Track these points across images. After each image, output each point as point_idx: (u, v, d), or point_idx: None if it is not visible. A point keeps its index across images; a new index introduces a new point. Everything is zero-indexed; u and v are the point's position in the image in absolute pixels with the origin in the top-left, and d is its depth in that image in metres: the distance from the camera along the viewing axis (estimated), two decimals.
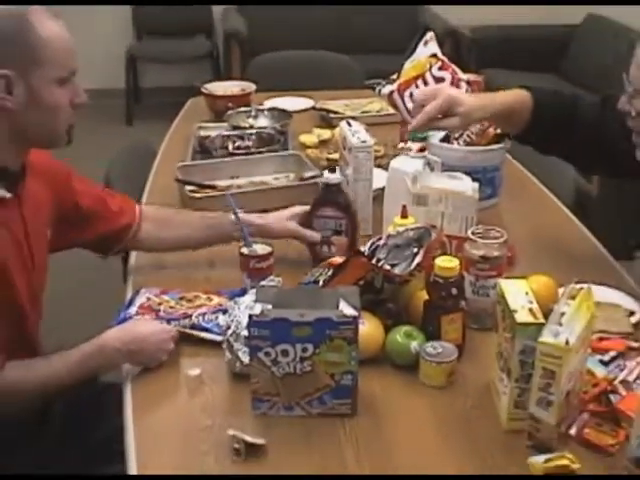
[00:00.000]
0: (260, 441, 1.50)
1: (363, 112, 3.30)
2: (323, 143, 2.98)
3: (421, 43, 2.55)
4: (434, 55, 2.51)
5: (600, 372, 1.71)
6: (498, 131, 2.47)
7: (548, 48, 6.41)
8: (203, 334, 1.81)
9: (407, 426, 1.60)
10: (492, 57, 6.29)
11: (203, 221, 2.16)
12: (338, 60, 4.38)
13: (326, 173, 2.10)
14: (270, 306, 1.56)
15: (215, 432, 1.55)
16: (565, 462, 1.43)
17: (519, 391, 1.53)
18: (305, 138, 3.00)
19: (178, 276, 2.13)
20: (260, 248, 1.99)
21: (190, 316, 1.84)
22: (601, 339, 1.83)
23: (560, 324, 1.44)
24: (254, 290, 1.70)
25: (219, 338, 1.75)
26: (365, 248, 1.76)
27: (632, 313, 1.95)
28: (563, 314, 1.46)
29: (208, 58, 6.59)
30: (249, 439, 1.49)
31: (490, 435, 1.57)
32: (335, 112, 3.24)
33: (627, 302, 1.98)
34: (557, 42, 6.42)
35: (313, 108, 3.39)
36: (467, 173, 2.26)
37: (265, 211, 2.37)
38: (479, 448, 1.53)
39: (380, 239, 1.77)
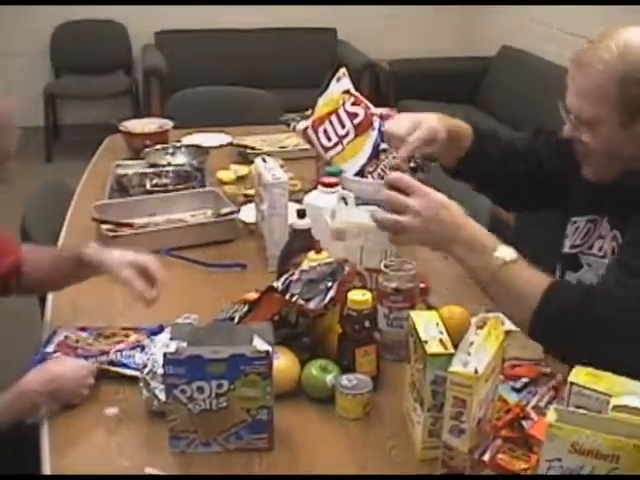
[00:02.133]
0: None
1: (280, 147, 3.34)
2: (240, 179, 3.00)
3: (334, 79, 2.59)
4: (347, 91, 2.56)
5: (512, 399, 1.75)
6: (411, 164, 2.51)
7: (464, 80, 6.53)
8: (121, 370, 1.81)
9: (324, 458, 1.61)
10: (410, 89, 6.39)
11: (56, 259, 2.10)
12: (257, 95, 4.41)
13: (295, 219, 2.09)
14: (185, 344, 1.57)
15: (133, 472, 1.55)
16: None
17: (432, 420, 1.56)
18: (222, 174, 3.01)
19: (95, 313, 2.12)
20: None
21: (108, 352, 1.84)
22: (513, 366, 1.87)
23: (469, 353, 1.47)
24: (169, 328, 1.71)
25: (137, 374, 1.75)
26: (279, 284, 1.78)
27: None
28: (472, 343, 1.50)
29: (128, 94, 6.58)
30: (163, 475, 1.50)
31: (406, 464, 1.59)
32: (252, 148, 3.26)
33: None
34: (473, 74, 6.54)
35: (231, 144, 3.41)
36: (381, 206, 2.29)
37: (180, 248, 2.39)
38: (395, 477, 1.56)
39: (293, 274, 1.80)
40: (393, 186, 1.71)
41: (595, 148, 1.80)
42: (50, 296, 2.22)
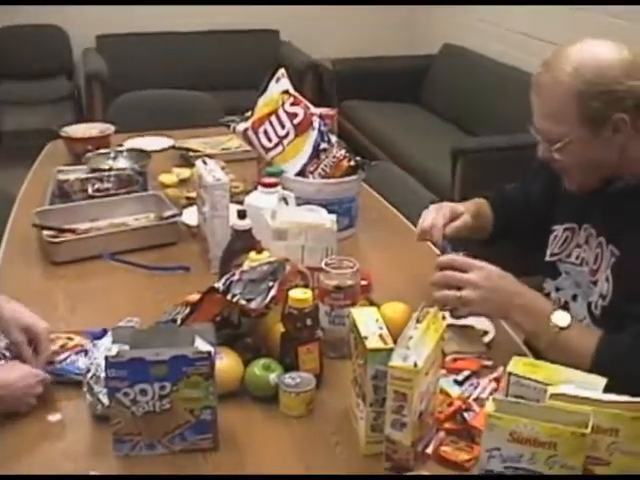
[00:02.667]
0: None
1: (223, 149, 3.34)
2: (183, 182, 3.00)
3: (273, 80, 2.60)
4: (286, 91, 2.57)
5: (454, 392, 1.77)
6: (351, 163, 2.54)
7: (407, 78, 6.58)
8: (66, 376, 1.80)
9: (269, 456, 1.62)
10: (354, 89, 6.43)
11: None
12: (199, 98, 4.40)
13: (235, 219, 2.10)
14: (127, 347, 1.57)
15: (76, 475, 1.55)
16: None
17: (375, 415, 1.57)
18: (164, 178, 3.01)
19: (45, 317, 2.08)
20: None
21: (53, 362, 1.83)
22: (455, 360, 1.90)
23: (408, 347, 1.49)
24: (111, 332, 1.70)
25: (80, 379, 1.75)
26: (219, 284, 1.79)
27: (485, 333, 2.02)
28: (411, 338, 1.52)
29: (70, 99, 6.53)
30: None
31: (350, 459, 1.61)
32: (194, 150, 3.26)
33: (480, 323, 2.05)
34: (416, 72, 6.59)
35: (173, 147, 3.40)
36: (323, 205, 2.32)
37: (123, 253, 2.39)
38: (341, 473, 1.57)
39: (234, 275, 1.80)
40: (444, 267, 1.91)
41: (570, 164, 1.90)
42: None
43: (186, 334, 1.61)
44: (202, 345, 1.57)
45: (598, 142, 1.84)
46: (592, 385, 1.46)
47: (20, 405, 1.73)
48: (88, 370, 1.71)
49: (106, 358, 1.54)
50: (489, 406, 1.39)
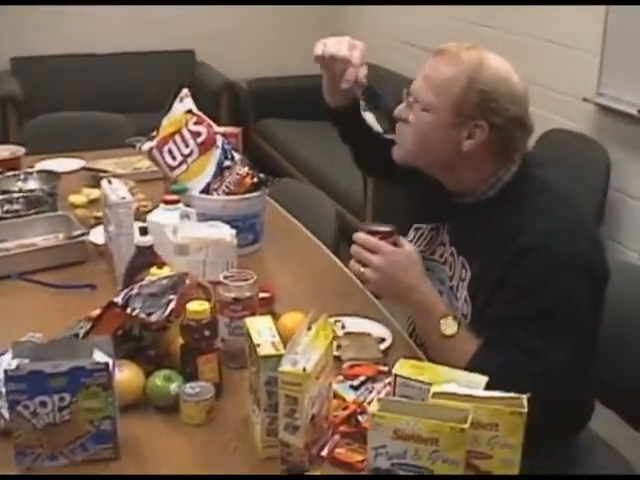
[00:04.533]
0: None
1: (134, 169, 3.38)
2: (93, 202, 3.02)
3: (177, 100, 2.66)
4: (189, 111, 2.63)
5: (350, 396, 1.84)
6: (255, 180, 2.60)
7: (320, 97, 6.63)
8: None
9: (170, 464, 1.67)
10: (270, 108, 6.50)
11: None
12: (112, 120, 4.43)
13: (138, 236, 2.13)
14: (27, 360, 1.61)
15: None
16: None
17: (270, 420, 1.63)
18: (74, 198, 3.04)
19: None
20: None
21: None
22: (352, 366, 1.96)
23: (297, 353, 1.56)
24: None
25: None
26: (119, 299, 1.83)
27: (383, 340, 2.09)
28: (300, 344, 1.58)
29: None
30: None
31: (248, 464, 1.67)
32: (105, 171, 3.30)
33: (378, 330, 2.12)
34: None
35: (84, 168, 3.43)
36: (228, 222, 2.38)
37: (32, 272, 2.41)
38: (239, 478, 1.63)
39: (133, 289, 1.85)
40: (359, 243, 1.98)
41: (412, 129, 1.98)
42: None
43: (85, 347, 1.66)
44: (100, 356, 1.62)
45: (448, 133, 1.93)
46: (474, 384, 1.53)
47: None
48: None
49: (5, 372, 1.58)
50: (373, 406, 1.46)
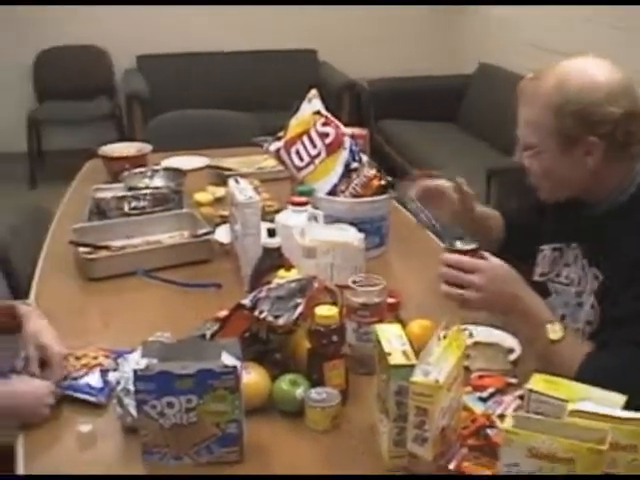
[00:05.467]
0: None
1: (258, 169, 3.38)
2: (218, 201, 3.04)
3: (305, 100, 2.64)
4: (318, 112, 2.61)
5: (479, 408, 1.79)
6: (382, 182, 2.57)
7: (444, 98, 6.61)
8: (76, 394, 1.85)
9: (293, 469, 1.65)
10: (390, 108, 6.47)
11: None
12: (237, 118, 4.46)
13: (265, 237, 2.12)
14: (155, 360, 1.61)
15: None
16: None
17: (398, 430, 1.59)
18: (199, 196, 3.06)
19: (72, 331, 2.12)
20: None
21: (66, 377, 1.87)
22: (480, 377, 1.91)
23: (429, 364, 1.52)
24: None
25: (91, 399, 1.82)
26: (247, 301, 1.82)
27: (511, 351, 2.04)
28: (433, 354, 1.54)
29: (111, 119, 6.62)
30: None
31: (373, 473, 1.63)
32: (230, 169, 3.31)
33: (506, 340, 2.07)
34: (452, 92, 6.62)
35: (208, 166, 3.45)
36: (354, 224, 2.35)
37: (157, 270, 2.43)
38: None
39: (261, 291, 1.84)
40: (451, 265, 1.92)
41: (538, 172, 1.95)
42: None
43: (213, 348, 1.65)
44: (228, 359, 1.60)
45: (567, 159, 1.87)
46: (611, 402, 1.47)
47: (32, 415, 1.78)
48: (118, 383, 1.76)
49: (134, 371, 1.58)
50: (507, 422, 1.41)
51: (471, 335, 2.08)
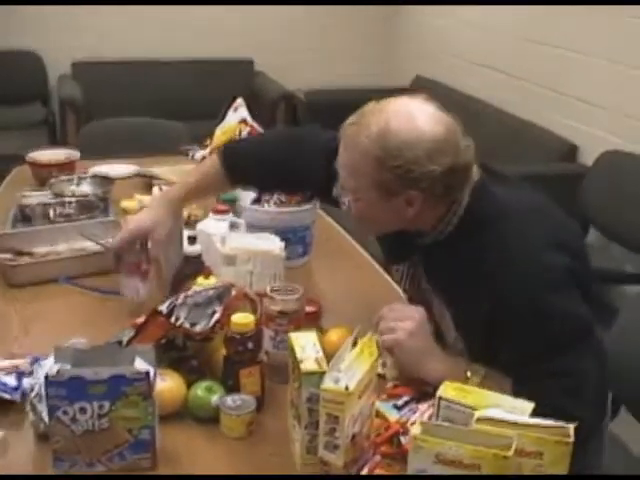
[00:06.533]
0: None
1: None
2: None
3: (231, 109, 2.66)
4: (243, 120, 2.62)
5: (393, 416, 1.80)
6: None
7: None
8: None
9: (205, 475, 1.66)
10: (326, 119, 6.45)
11: None
12: (168, 127, 4.45)
13: (186, 246, 2.13)
14: (68, 366, 1.60)
15: None
16: None
17: (310, 437, 1.61)
18: (126, 204, 3.04)
19: None
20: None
21: None
22: (396, 386, 1.93)
23: (339, 370, 1.53)
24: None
25: (5, 395, 1.81)
26: (163, 307, 1.82)
27: None
28: (343, 361, 1.56)
29: (44, 125, 6.54)
30: None
31: None
32: (158, 177, 3.30)
33: None
34: None
35: (137, 174, 3.44)
36: (278, 233, 2.36)
37: (80, 277, 2.42)
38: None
39: (177, 298, 1.84)
40: None
41: (356, 214, 1.92)
42: None
43: (127, 354, 1.65)
44: (141, 365, 1.60)
45: (387, 206, 1.84)
46: (519, 410, 1.49)
47: None
48: (32, 389, 1.75)
49: (46, 377, 1.57)
50: (415, 429, 1.42)
51: None
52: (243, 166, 2.25)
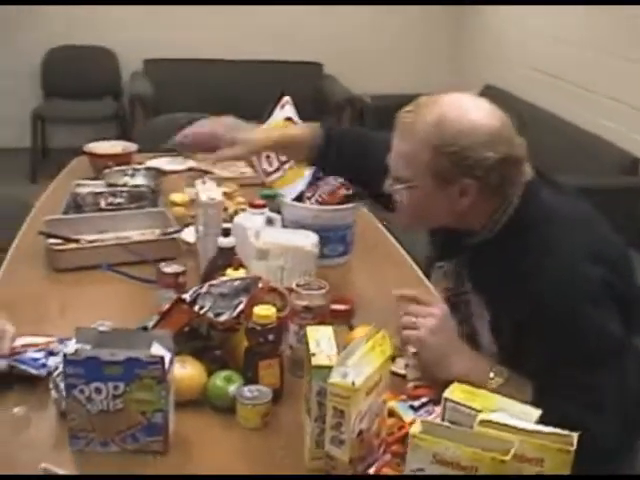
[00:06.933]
0: (69, 474, 1.58)
1: (241, 173, 3.42)
2: (193, 202, 3.06)
3: (278, 106, 2.68)
4: (289, 118, 2.64)
5: (408, 417, 1.81)
6: (349, 192, 2.60)
7: None
8: (20, 365, 1.89)
9: (216, 463, 1.68)
10: (391, 124, 6.47)
11: None
12: None
13: (220, 238, 2.16)
14: (88, 346, 1.64)
15: (29, 466, 1.61)
16: None
17: (319, 431, 1.62)
18: (175, 197, 3.09)
19: (29, 317, 2.18)
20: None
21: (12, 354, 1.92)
22: (416, 387, 1.93)
23: (347, 365, 1.54)
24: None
25: (32, 371, 1.86)
26: (187, 295, 1.86)
27: None
28: (352, 356, 1.57)
29: (115, 120, 6.67)
30: (60, 472, 1.57)
31: (293, 473, 1.66)
32: (210, 172, 3.34)
33: None
34: None
35: (191, 169, 3.49)
36: (318, 231, 2.38)
37: (123, 265, 2.46)
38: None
39: (202, 287, 1.87)
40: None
41: (406, 205, 1.94)
42: None
43: (145, 339, 1.68)
44: (158, 350, 1.64)
45: (440, 196, 1.86)
46: (526, 415, 1.49)
47: None
48: (56, 368, 1.79)
49: (64, 355, 1.62)
50: (415, 427, 1.43)
51: None
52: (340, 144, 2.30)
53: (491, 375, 1.84)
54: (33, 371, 1.87)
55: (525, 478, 1.41)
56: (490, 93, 6.43)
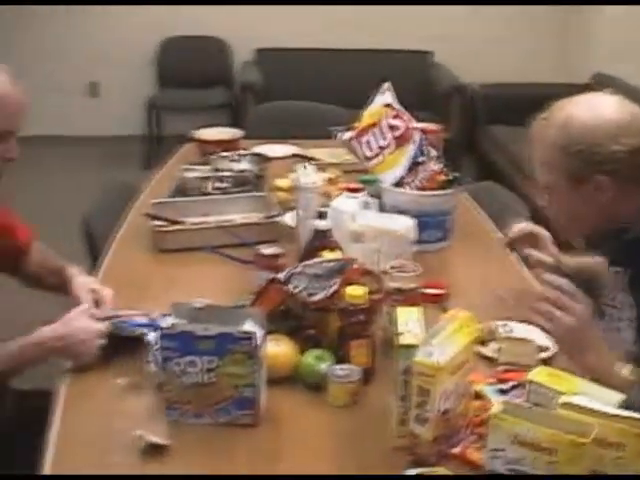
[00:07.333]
0: (164, 442, 1.65)
1: (345, 160, 3.45)
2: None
3: (378, 93, 2.71)
4: (388, 105, 2.67)
5: (496, 399, 1.82)
6: (447, 177, 2.62)
7: None
8: (126, 330, 1.98)
9: (303, 438, 1.73)
10: (500, 113, 6.43)
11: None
12: (334, 112, 4.52)
13: (316, 220, 2.21)
14: (184, 321, 1.71)
15: (125, 433, 1.69)
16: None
17: (404, 410, 1.65)
18: (279, 182, 3.14)
19: (134, 292, 2.29)
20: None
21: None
22: (507, 371, 1.94)
23: (432, 345, 1.56)
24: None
25: (137, 331, 1.96)
26: (281, 275, 1.91)
27: (546, 348, 2.05)
28: (438, 335, 1.59)
29: (226, 108, 6.79)
30: (154, 439, 1.64)
31: (379, 451, 1.69)
32: (315, 159, 3.39)
33: (542, 339, 2.08)
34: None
35: (295, 155, 3.55)
36: (417, 216, 2.41)
37: (226, 247, 2.53)
38: (364, 462, 1.66)
39: (296, 267, 1.92)
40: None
41: (553, 212, 1.98)
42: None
43: (239, 316, 1.75)
44: (250, 326, 1.69)
45: (578, 196, 1.89)
46: (607, 400, 1.49)
47: (82, 354, 1.92)
48: (156, 342, 1.86)
49: (160, 329, 1.69)
50: (496, 407, 1.45)
51: (511, 331, 2.11)
52: None
53: (620, 369, 1.76)
54: (137, 331, 1.95)
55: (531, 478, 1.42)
56: (600, 81, 6.33)
